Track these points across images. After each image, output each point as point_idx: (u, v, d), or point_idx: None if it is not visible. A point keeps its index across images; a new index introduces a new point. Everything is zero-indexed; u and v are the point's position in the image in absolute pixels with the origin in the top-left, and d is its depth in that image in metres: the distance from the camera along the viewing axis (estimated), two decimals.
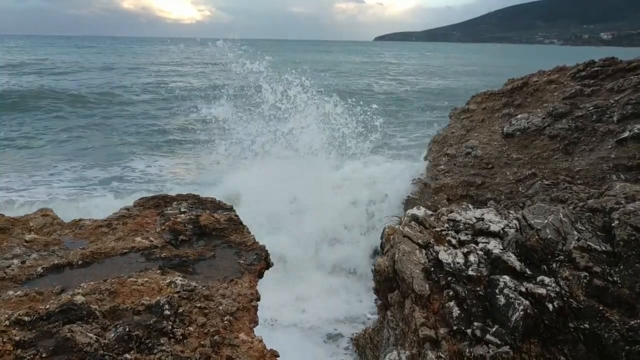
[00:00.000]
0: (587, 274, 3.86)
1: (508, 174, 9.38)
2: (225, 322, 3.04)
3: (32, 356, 2.40)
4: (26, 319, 2.64)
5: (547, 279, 3.83)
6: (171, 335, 2.76)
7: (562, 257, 4.07)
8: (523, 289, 3.70)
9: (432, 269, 4.05)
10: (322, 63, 74.56)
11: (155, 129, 24.01)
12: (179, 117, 26.90)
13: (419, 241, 4.34)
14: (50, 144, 20.36)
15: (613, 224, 4.30)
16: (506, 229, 4.42)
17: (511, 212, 4.86)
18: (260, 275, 3.97)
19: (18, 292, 2.99)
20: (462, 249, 4.19)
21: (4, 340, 2.45)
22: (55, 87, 34.09)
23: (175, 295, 3.08)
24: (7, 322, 2.59)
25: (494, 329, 3.49)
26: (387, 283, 4.38)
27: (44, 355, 2.41)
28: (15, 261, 3.49)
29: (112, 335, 2.64)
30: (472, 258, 4.05)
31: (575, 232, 4.24)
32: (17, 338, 2.48)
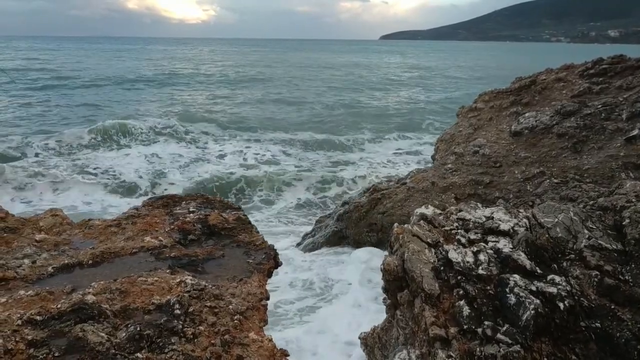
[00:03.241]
0: (598, 272, 3.82)
1: (516, 172, 9.34)
2: (235, 321, 3.04)
3: (44, 355, 2.41)
4: (38, 318, 2.66)
5: (557, 278, 3.80)
6: (182, 334, 2.76)
7: (572, 255, 4.03)
8: (534, 288, 3.67)
9: (442, 268, 4.03)
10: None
11: None
12: None
13: (428, 240, 4.32)
14: None
15: (624, 223, 4.26)
16: (516, 228, 4.39)
17: (521, 210, 4.82)
18: (269, 275, 3.97)
19: (29, 292, 3.00)
20: (472, 248, 4.17)
21: (17, 339, 2.46)
22: None
23: (186, 294, 3.09)
24: (19, 322, 2.60)
25: (504, 328, 3.46)
26: (396, 282, 4.36)
27: (56, 354, 2.42)
28: (26, 261, 3.51)
29: (124, 334, 2.64)
30: (482, 257, 4.03)
31: (585, 231, 4.21)
32: (29, 337, 2.49)
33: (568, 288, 3.71)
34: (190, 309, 2.97)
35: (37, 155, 19.65)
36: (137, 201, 16.01)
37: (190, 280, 3.27)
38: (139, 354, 2.54)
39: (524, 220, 4.53)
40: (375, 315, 7.14)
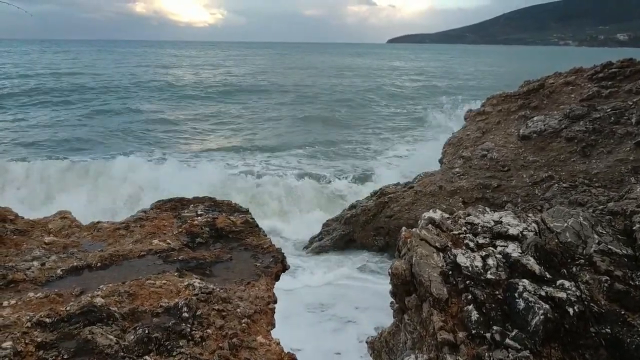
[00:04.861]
0: (608, 277, 3.79)
1: (524, 176, 9.30)
2: (243, 324, 3.04)
3: (53, 358, 2.42)
4: (47, 320, 2.66)
5: (567, 283, 3.77)
6: (190, 337, 2.76)
7: (582, 260, 4.00)
8: (543, 293, 3.64)
9: (450, 272, 4.01)
10: None
11: None
12: None
13: (437, 244, 4.31)
14: None
15: (634, 228, 4.23)
16: (525, 232, 4.36)
17: (530, 215, 4.80)
18: (277, 278, 3.97)
19: (38, 294, 3.02)
20: (480, 253, 4.15)
21: (27, 341, 2.47)
22: None
23: (194, 297, 3.09)
24: (28, 324, 2.61)
25: (513, 333, 3.44)
26: (404, 286, 4.34)
27: (65, 356, 2.43)
28: (35, 263, 3.53)
29: (132, 337, 2.65)
30: (490, 261, 4.00)
31: (595, 236, 4.17)
32: (39, 339, 2.50)
33: (578, 293, 3.68)
34: (199, 312, 2.98)
35: None
36: None
37: (198, 283, 3.27)
38: (147, 357, 2.54)
39: (533, 224, 4.50)
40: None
